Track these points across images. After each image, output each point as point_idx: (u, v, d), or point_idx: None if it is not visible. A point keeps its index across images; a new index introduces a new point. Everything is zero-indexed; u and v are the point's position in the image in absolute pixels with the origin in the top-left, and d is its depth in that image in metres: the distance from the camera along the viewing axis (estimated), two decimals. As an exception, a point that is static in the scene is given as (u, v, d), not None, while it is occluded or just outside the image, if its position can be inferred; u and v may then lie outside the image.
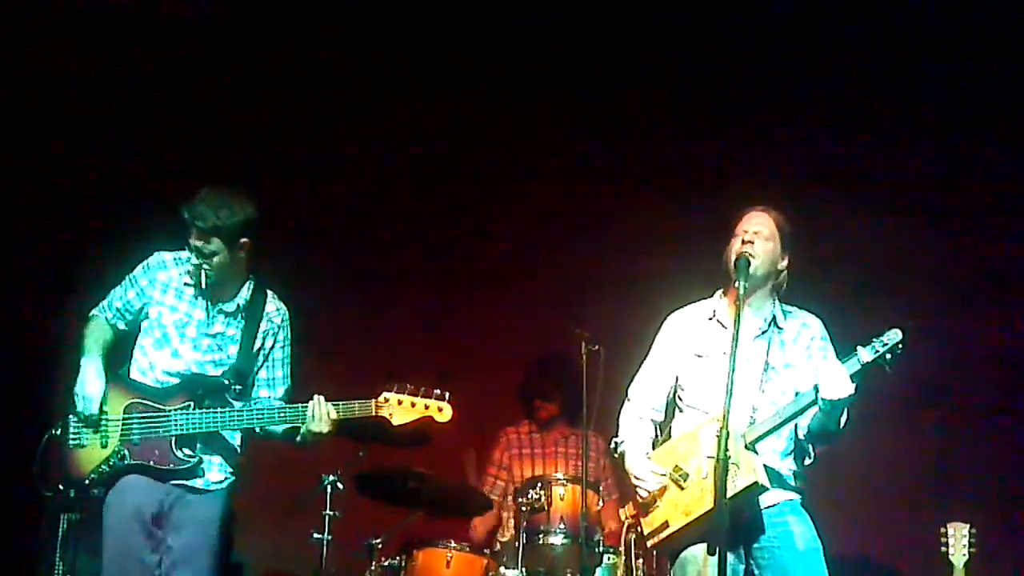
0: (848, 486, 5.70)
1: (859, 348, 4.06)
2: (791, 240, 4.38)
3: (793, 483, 4.30)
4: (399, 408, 4.51)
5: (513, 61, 6.66)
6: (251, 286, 4.58)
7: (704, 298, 4.52)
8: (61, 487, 4.46)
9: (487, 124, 6.83)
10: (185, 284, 4.53)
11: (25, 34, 6.13)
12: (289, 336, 4.68)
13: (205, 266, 4.43)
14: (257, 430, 4.58)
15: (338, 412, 4.48)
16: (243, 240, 4.46)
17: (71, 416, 4.45)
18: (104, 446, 4.42)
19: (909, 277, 6.39)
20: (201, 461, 4.47)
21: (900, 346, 4.02)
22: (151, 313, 4.54)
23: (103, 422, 4.43)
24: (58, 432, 4.47)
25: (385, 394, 4.51)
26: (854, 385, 4.02)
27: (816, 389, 4.06)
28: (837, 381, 4.01)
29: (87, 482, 4.40)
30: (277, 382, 4.66)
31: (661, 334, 4.53)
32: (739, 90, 6.61)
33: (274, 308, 4.63)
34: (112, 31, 6.20)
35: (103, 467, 4.40)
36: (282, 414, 4.51)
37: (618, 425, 4.49)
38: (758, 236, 4.29)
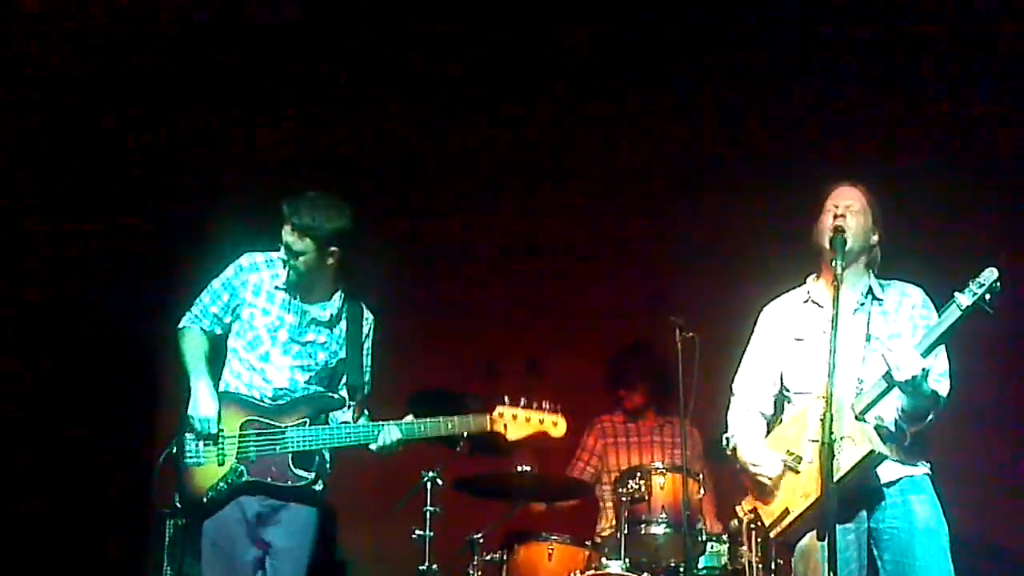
0: (960, 463, 5.58)
1: (956, 294, 3.90)
2: (882, 214, 4.27)
3: (914, 456, 4.14)
4: (514, 423, 4.47)
5: (611, 47, 6.58)
6: (342, 296, 4.58)
7: (796, 286, 4.43)
8: (179, 505, 4.47)
9: (575, 113, 6.77)
10: (276, 287, 4.54)
11: (111, 44, 6.19)
12: (371, 340, 4.67)
13: (292, 263, 4.45)
14: None
15: (450, 428, 4.44)
16: (332, 248, 4.45)
17: (187, 435, 4.43)
18: (221, 464, 4.41)
19: (1004, 233, 6.25)
20: (317, 479, 4.47)
21: (998, 284, 3.86)
22: (243, 314, 4.55)
23: (220, 440, 4.42)
24: (174, 451, 4.46)
25: (500, 408, 4.47)
26: (926, 360, 3.85)
27: (888, 375, 3.90)
28: (905, 362, 3.85)
29: (205, 500, 4.38)
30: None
31: (758, 325, 4.45)
32: (828, 68, 6.47)
33: (364, 317, 4.63)
34: (199, 39, 6.25)
35: (221, 484, 4.39)
36: (397, 429, 4.45)
37: (726, 423, 4.41)
38: (849, 210, 4.20)
